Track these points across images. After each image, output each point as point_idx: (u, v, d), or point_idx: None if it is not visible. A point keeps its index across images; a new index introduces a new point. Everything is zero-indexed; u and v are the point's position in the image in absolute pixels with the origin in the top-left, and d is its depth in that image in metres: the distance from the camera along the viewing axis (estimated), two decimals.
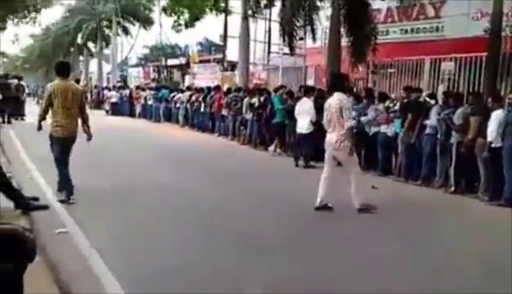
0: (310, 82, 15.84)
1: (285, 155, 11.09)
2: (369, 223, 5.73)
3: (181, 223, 5.48)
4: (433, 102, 8.80)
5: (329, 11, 13.16)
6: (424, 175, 8.28)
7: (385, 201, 6.71)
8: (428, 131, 8.22)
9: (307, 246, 4.84)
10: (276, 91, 12.41)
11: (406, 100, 8.87)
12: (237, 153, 12.00)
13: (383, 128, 9.20)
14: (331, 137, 6.21)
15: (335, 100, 6.19)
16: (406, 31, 14.57)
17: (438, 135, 7.97)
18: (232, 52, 21.67)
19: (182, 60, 29.20)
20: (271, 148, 11.50)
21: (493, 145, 7.03)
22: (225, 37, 22.59)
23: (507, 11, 10.87)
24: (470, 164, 7.41)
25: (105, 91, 26.46)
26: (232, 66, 21.92)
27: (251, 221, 5.65)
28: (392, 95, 10.00)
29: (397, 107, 9.04)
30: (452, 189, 7.61)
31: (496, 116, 7.08)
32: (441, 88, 11.89)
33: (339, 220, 5.88)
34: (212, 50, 27.69)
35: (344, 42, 12.84)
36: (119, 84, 27.51)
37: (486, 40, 10.43)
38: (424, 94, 9.50)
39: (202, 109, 16.28)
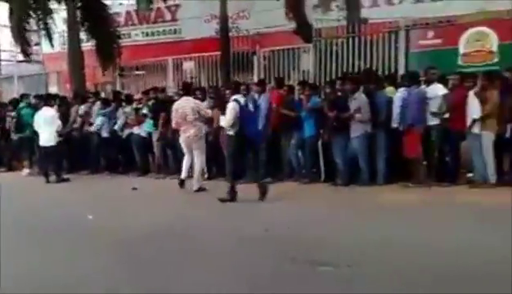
0: (53, 90, 14.67)
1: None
2: None
3: None
4: None
5: (65, 14, 12.45)
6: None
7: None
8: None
9: None
10: (18, 101, 10.94)
11: (153, 101, 9.11)
12: None
13: (135, 130, 9.28)
14: (188, 134, 7.41)
15: (190, 103, 7.48)
16: (148, 34, 15.01)
17: None
18: None
19: None
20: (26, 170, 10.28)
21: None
22: None
23: (231, 15, 12.32)
24: (218, 152, 8.13)
25: None
26: None
27: None
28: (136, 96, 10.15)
29: (145, 109, 9.19)
30: (206, 175, 8.23)
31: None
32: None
33: None
34: None
35: (88, 46, 12.40)
36: None
37: (218, 40, 11.61)
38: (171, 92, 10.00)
39: None
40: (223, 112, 6.90)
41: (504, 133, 6.66)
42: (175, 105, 7.63)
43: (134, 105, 9.54)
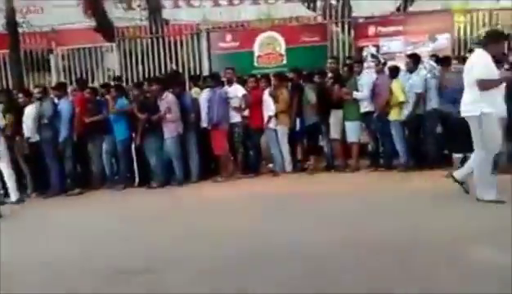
0: None
1: None
2: None
3: None
4: None
5: None
6: None
7: None
8: None
9: None
10: None
11: None
12: None
13: None
14: None
15: None
16: None
17: None
18: None
19: None
20: None
21: (31, 140, 7.25)
22: None
23: (21, 8, 11.04)
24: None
25: None
26: None
27: None
28: None
29: None
30: None
31: (29, 111, 7.29)
32: None
33: None
34: None
35: None
36: None
37: (6, 36, 10.29)
38: None
39: None
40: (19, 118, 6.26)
41: (294, 127, 7.67)
42: None
43: None
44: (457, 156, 6.43)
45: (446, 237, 4.07)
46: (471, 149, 6.41)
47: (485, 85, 4.69)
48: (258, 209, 5.51)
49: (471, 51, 7.44)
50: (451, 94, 6.33)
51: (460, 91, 5.12)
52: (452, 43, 8.87)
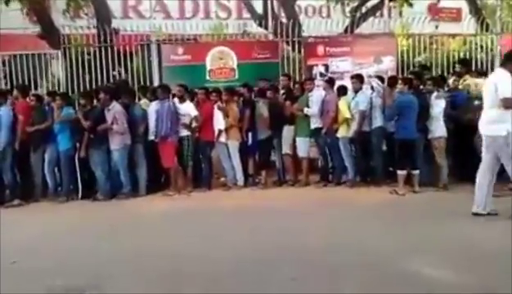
0: None
1: None
2: None
3: None
4: None
5: None
6: None
7: None
8: None
9: None
10: None
11: None
12: None
13: None
14: None
15: None
16: None
17: None
18: None
19: None
20: None
21: None
22: None
23: None
24: None
25: None
26: None
27: None
28: None
29: None
30: None
31: None
32: None
33: None
34: None
35: None
36: None
37: None
38: None
39: None
40: None
41: (246, 141, 7.68)
42: None
43: None
44: (402, 173, 6.69)
45: (388, 250, 4.23)
46: (415, 167, 6.78)
47: (511, 103, 4.79)
48: (195, 225, 5.49)
49: (412, 73, 7.85)
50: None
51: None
52: (396, 65, 9.27)
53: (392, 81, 7.27)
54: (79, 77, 9.43)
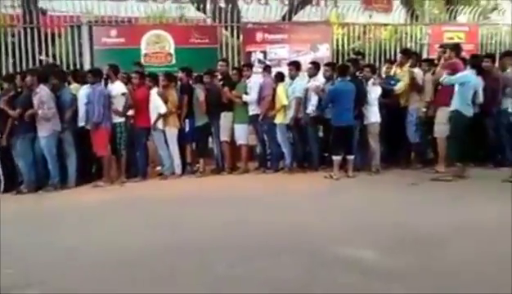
0: None
1: None
2: None
3: None
4: None
5: None
6: None
7: None
8: None
9: None
10: None
11: None
12: None
13: None
14: None
15: None
16: None
17: None
18: None
19: None
20: None
21: None
22: None
23: None
24: None
25: None
26: None
27: None
28: None
29: None
30: None
31: None
32: None
33: None
34: None
35: None
36: None
37: None
38: None
39: None
40: None
41: (184, 128, 7.50)
42: None
43: None
44: (337, 158, 6.85)
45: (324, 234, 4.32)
46: (350, 152, 6.98)
47: None
48: (124, 217, 5.30)
49: (350, 61, 7.96)
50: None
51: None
52: (331, 53, 9.43)
53: (343, 69, 7.07)
54: (2, 61, 8.78)
